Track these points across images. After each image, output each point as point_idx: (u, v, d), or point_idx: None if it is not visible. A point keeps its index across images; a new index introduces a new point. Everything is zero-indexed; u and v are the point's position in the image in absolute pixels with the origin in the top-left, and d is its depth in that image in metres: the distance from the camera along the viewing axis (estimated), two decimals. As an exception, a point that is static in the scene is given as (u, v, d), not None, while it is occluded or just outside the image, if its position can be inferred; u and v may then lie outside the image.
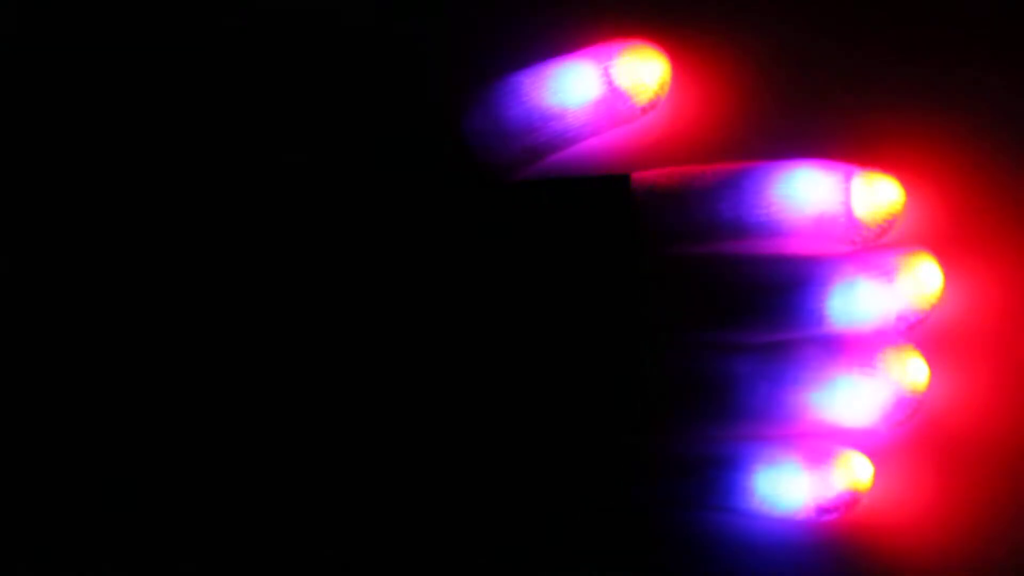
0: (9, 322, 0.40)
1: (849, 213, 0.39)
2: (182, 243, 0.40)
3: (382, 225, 0.40)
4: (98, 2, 0.43)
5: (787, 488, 0.38)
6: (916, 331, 0.40)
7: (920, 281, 0.39)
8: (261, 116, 0.43)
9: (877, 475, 0.40)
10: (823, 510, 0.39)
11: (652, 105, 0.41)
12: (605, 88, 0.41)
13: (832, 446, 0.39)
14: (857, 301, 0.39)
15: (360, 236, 0.40)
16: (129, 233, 0.41)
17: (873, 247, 0.40)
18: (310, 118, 0.43)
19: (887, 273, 0.39)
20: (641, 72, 0.41)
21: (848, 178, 0.39)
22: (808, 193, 0.39)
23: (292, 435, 0.39)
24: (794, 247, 0.40)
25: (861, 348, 0.39)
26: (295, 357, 0.40)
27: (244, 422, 0.39)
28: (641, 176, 0.40)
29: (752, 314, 0.39)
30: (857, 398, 0.38)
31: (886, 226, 0.40)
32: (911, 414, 0.39)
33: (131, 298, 0.40)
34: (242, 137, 0.43)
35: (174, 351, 0.40)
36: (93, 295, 0.40)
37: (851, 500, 0.39)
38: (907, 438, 0.40)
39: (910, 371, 0.39)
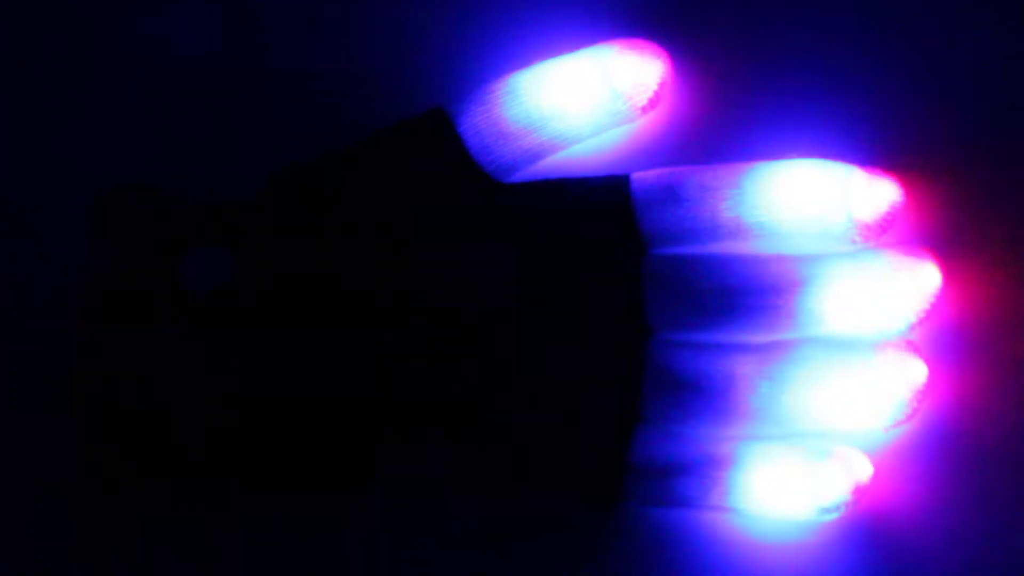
0: None
1: (849, 213, 0.39)
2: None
3: (382, 225, 0.40)
4: None
5: (787, 488, 0.38)
6: (916, 331, 0.40)
7: (919, 281, 0.39)
8: (260, 117, 0.43)
9: (877, 475, 0.40)
10: (823, 510, 0.39)
11: (652, 105, 0.41)
12: (605, 88, 0.41)
13: (832, 446, 0.39)
14: (857, 301, 0.39)
15: (361, 235, 0.40)
16: None
17: (873, 247, 0.40)
18: (310, 119, 0.43)
19: (887, 273, 0.39)
20: (641, 72, 0.41)
21: (848, 178, 0.39)
22: (808, 193, 0.39)
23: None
24: (794, 247, 0.40)
25: (861, 348, 0.39)
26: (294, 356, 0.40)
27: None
28: (641, 176, 0.40)
29: (751, 314, 0.39)
30: (857, 398, 0.38)
31: (886, 226, 0.40)
32: (911, 414, 0.39)
33: None
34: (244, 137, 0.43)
35: None
36: None
37: (851, 500, 0.39)
38: (907, 438, 0.40)
39: (910, 371, 0.39)
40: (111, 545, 0.41)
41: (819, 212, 0.39)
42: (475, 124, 0.41)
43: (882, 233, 0.40)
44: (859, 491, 0.39)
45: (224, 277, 0.40)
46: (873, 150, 0.41)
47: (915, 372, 0.39)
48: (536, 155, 0.41)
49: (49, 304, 0.42)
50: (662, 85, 0.41)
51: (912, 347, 0.39)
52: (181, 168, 0.43)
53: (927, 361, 0.39)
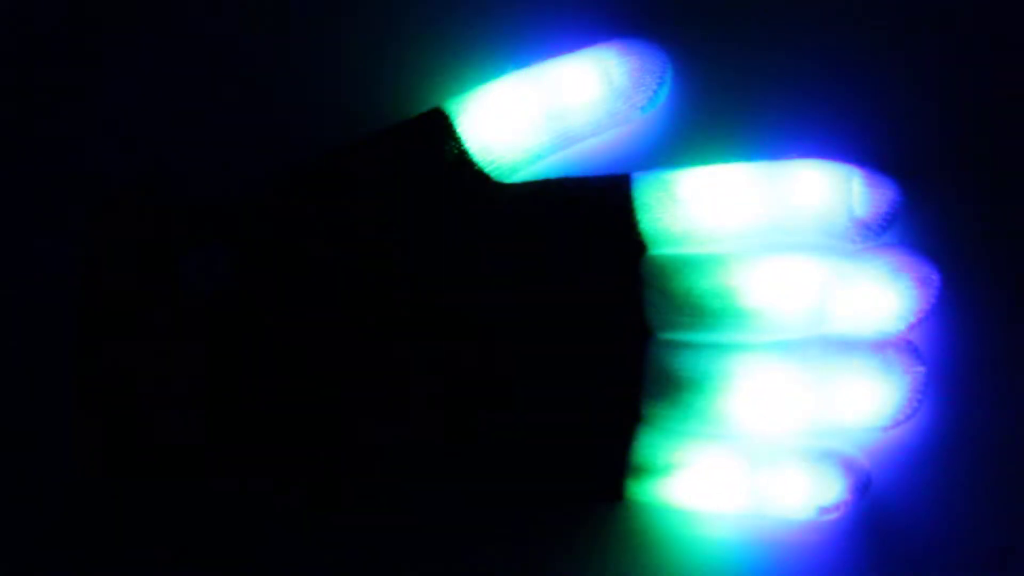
0: None
1: (850, 213, 0.39)
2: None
3: (382, 225, 0.40)
4: None
5: (787, 488, 0.38)
6: (915, 331, 0.40)
7: (919, 281, 0.39)
8: (260, 117, 0.43)
9: (877, 475, 0.40)
10: (823, 510, 0.39)
11: (652, 105, 0.41)
12: (605, 88, 0.41)
13: (832, 446, 0.39)
14: (857, 301, 0.39)
15: (361, 235, 0.40)
16: None
17: (873, 247, 0.40)
18: (310, 119, 0.43)
19: (887, 273, 0.39)
20: (641, 72, 0.41)
21: (849, 178, 0.39)
22: (809, 193, 0.39)
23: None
24: (794, 247, 0.40)
25: (861, 348, 0.39)
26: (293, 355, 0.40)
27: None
28: (641, 176, 0.40)
29: (751, 315, 0.39)
30: (857, 398, 0.38)
31: (886, 226, 0.40)
32: (911, 414, 0.39)
33: None
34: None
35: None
36: None
37: (850, 500, 0.39)
38: (907, 438, 0.40)
39: (909, 371, 0.39)
40: (111, 545, 0.41)
41: (820, 212, 0.39)
42: (475, 124, 0.41)
43: (882, 233, 0.40)
44: (858, 491, 0.39)
45: (224, 277, 0.40)
46: (874, 150, 0.41)
47: (915, 372, 0.39)
48: (536, 155, 0.41)
49: (49, 304, 0.42)
50: (662, 85, 0.41)
51: (912, 347, 0.39)
52: (181, 167, 0.43)
53: (927, 361, 0.39)
